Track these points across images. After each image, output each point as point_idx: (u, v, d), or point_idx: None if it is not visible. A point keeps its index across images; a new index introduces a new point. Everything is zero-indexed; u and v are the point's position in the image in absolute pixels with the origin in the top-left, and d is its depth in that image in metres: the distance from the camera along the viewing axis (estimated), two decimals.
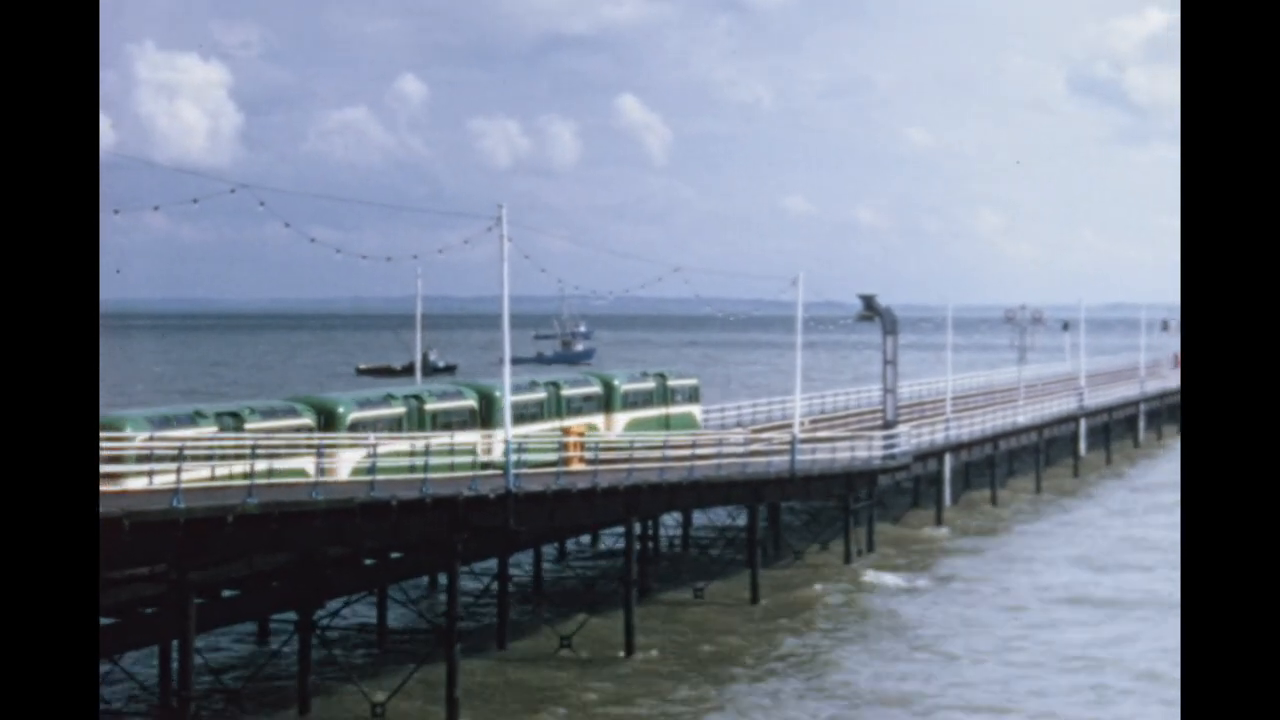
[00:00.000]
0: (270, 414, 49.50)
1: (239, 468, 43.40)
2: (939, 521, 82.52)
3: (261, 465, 42.11)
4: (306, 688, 46.00)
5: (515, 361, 51.75)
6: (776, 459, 64.77)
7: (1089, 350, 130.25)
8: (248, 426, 47.37)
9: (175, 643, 40.41)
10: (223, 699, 46.21)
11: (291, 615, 47.92)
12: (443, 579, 55.53)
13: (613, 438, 61.21)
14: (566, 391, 64.54)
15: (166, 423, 45.10)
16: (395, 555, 52.58)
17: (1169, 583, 63.63)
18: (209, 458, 43.62)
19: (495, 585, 56.52)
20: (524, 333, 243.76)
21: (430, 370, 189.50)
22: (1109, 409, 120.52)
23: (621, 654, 53.54)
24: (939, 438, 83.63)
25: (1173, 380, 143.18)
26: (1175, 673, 51.97)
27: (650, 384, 71.56)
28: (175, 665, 40.58)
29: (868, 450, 72.65)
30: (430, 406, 55.84)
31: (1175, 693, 49.65)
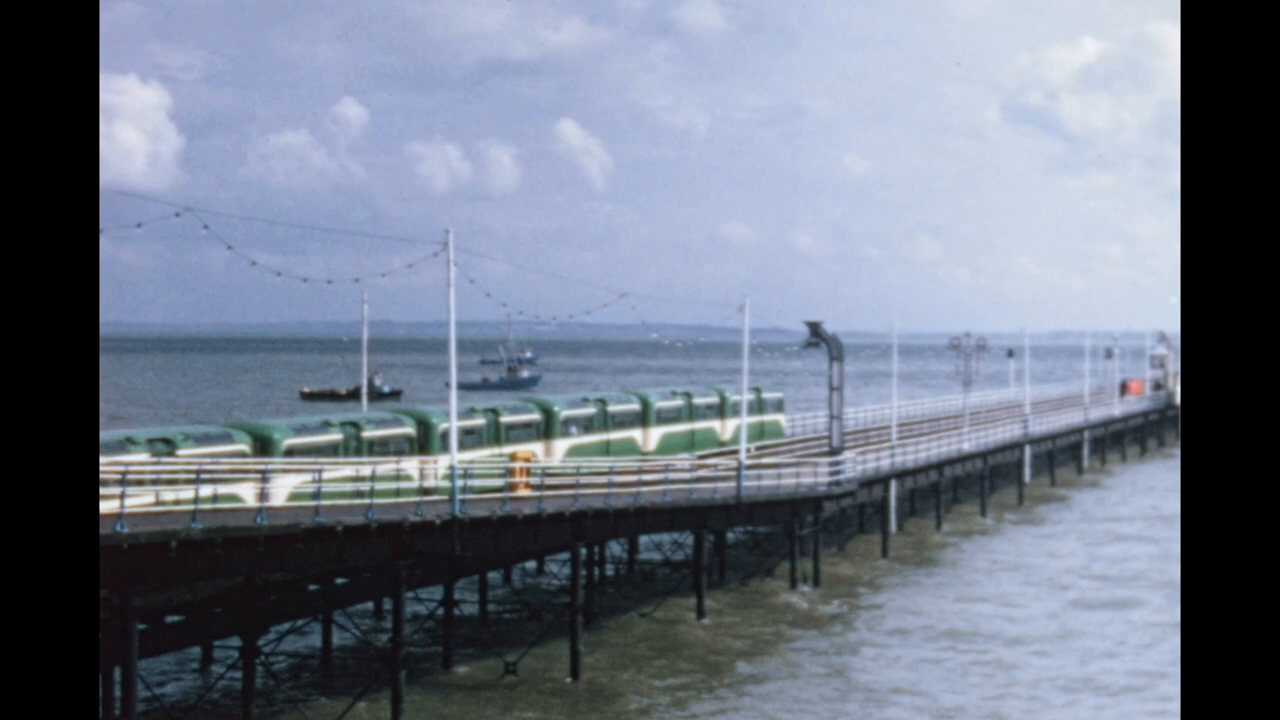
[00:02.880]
0: (204, 440, 49.26)
1: (178, 494, 43.22)
2: (884, 548, 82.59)
3: (195, 491, 41.79)
4: (250, 714, 45.72)
5: (461, 387, 51.72)
6: (722, 485, 64.73)
7: (1033, 377, 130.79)
8: (180, 453, 47.11)
9: (117, 669, 40.09)
10: None
11: (236, 641, 47.64)
12: (388, 604, 55.38)
13: (558, 464, 61.12)
14: (506, 418, 64.88)
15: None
16: (340, 581, 52.37)
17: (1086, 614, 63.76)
18: (154, 483, 43.38)
19: (441, 611, 56.34)
20: (469, 358, 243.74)
21: (376, 395, 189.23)
22: (1053, 436, 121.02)
23: (568, 679, 53.41)
24: (884, 464, 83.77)
25: (1118, 408, 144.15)
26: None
27: (593, 409, 72.14)
28: (118, 691, 40.26)
29: (813, 477, 72.71)
30: (367, 434, 55.84)
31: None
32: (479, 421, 62.85)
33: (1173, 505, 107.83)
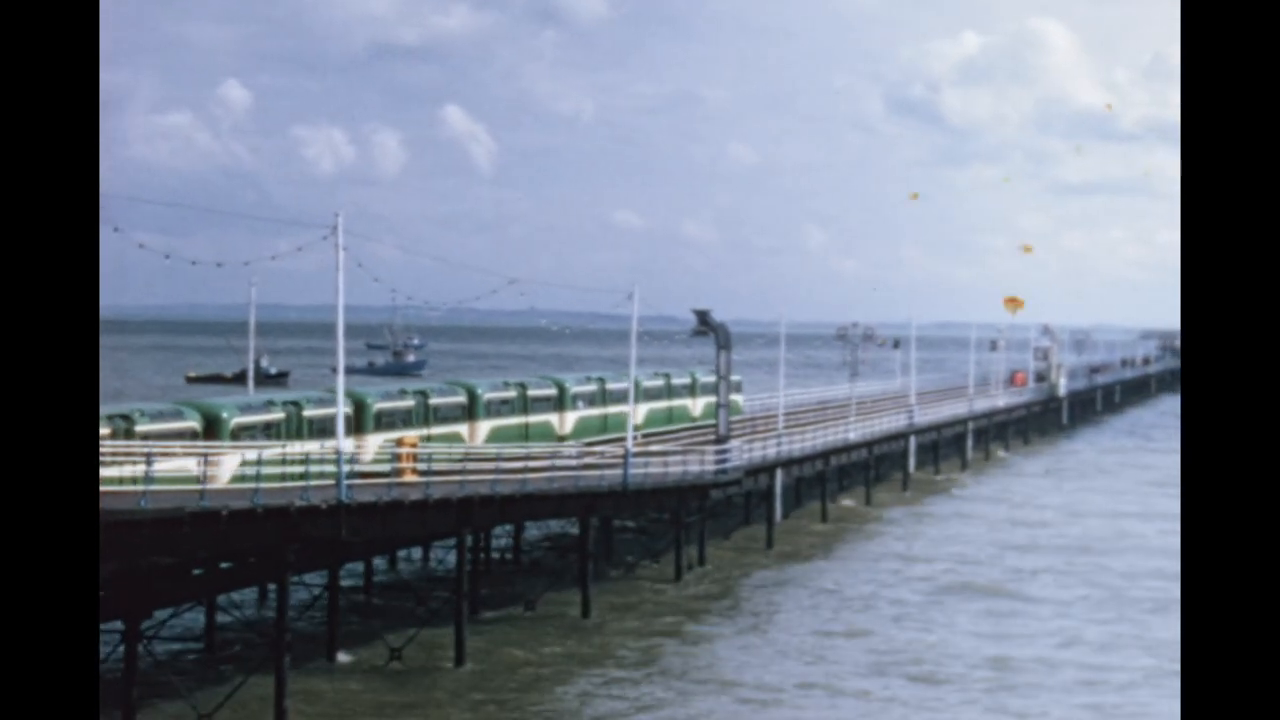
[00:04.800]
0: (159, 417, 50.80)
1: (126, 470, 44.13)
2: (769, 538, 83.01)
3: (145, 468, 42.67)
4: (132, 698, 45.37)
5: (348, 371, 51.74)
6: (609, 472, 64.87)
7: (919, 367, 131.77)
8: (138, 429, 48.69)
9: None
10: None
11: (118, 625, 47.29)
12: (273, 589, 55.15)
13: (441, 449, 61.11)
14: (434, 400, 66.13)
15: None
16: (225, 565, 52.14)
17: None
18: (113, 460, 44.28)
19: (326, 596, 56.22)
20: (356, 342, 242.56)
21: (262, 377, 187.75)
22: (938, 426, 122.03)
23: (452, 665, 53.43)
24: (771, 453, 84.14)
25: (1001, 399, 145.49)
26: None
27: (512, 393, 73.10)
28: None
29: (700, 464, 72.95)
30: (308, 413, 56.97)
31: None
32: (409, 403, 64.22)
33: (1052, 497, 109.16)
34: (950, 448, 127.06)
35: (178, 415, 51.87)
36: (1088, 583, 73.46)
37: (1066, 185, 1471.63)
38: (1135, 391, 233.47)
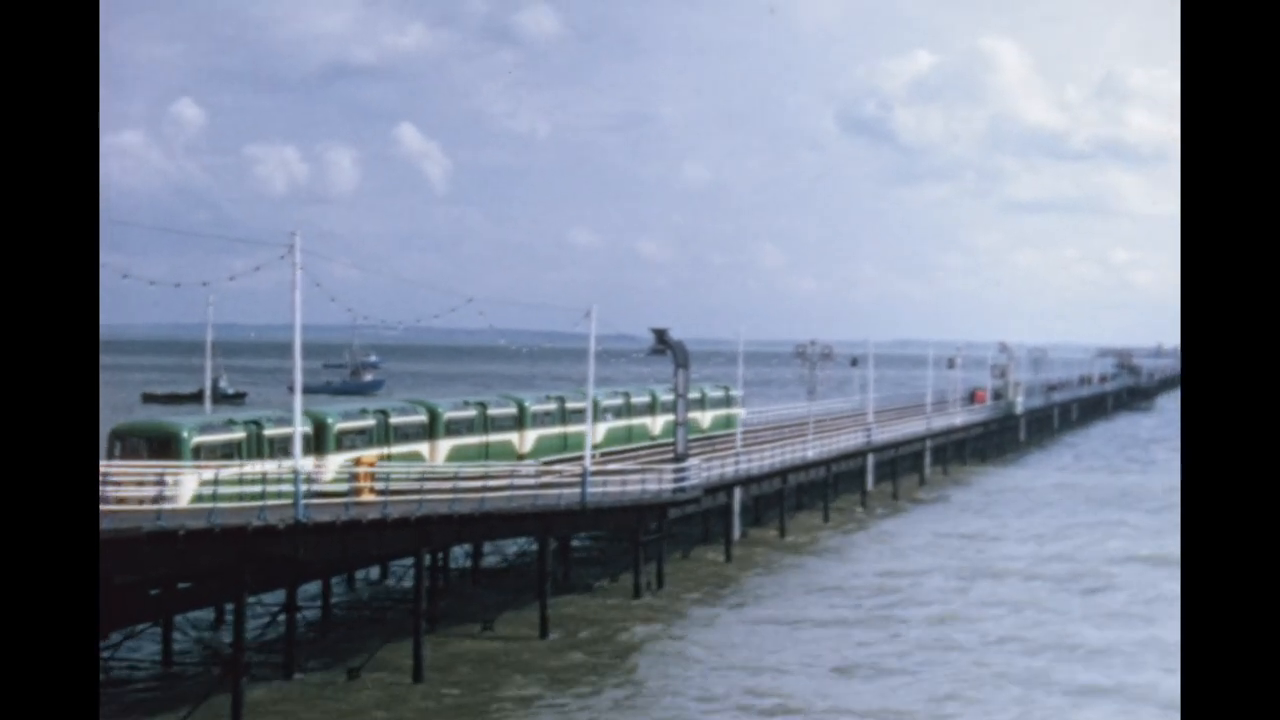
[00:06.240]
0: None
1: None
2: (728, 555, 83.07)
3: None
4: None
5: (305, 391, 51.56)
6: (567, 491, 64.82)
7: (878, 385, 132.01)
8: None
9: None
10: None
11: None
12: (231, 609, 54.98)
13: (399, 469, 61.00)
14: (395, 419, 66.16)
15: None
16: (183, 585, 51.96)
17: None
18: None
19: (284, 616, 56.03)
20: (314, 362, 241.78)
21: (219, 397, 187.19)
22: (896, 444, 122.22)
23: (410, 682, 53.31)
24: (729, 471, 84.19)
25: (959, 417, 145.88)
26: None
27: (473, 412, 73.39)
28: None
29: (658, 483, 72.92)
30: (269, 432, 56.76)
31: None
32: (370, 422, 64.30)
33: (1020, 522, 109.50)
34: (907, 463, 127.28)
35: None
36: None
37: (1018, 203, 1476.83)
38: (1092, 409, 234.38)
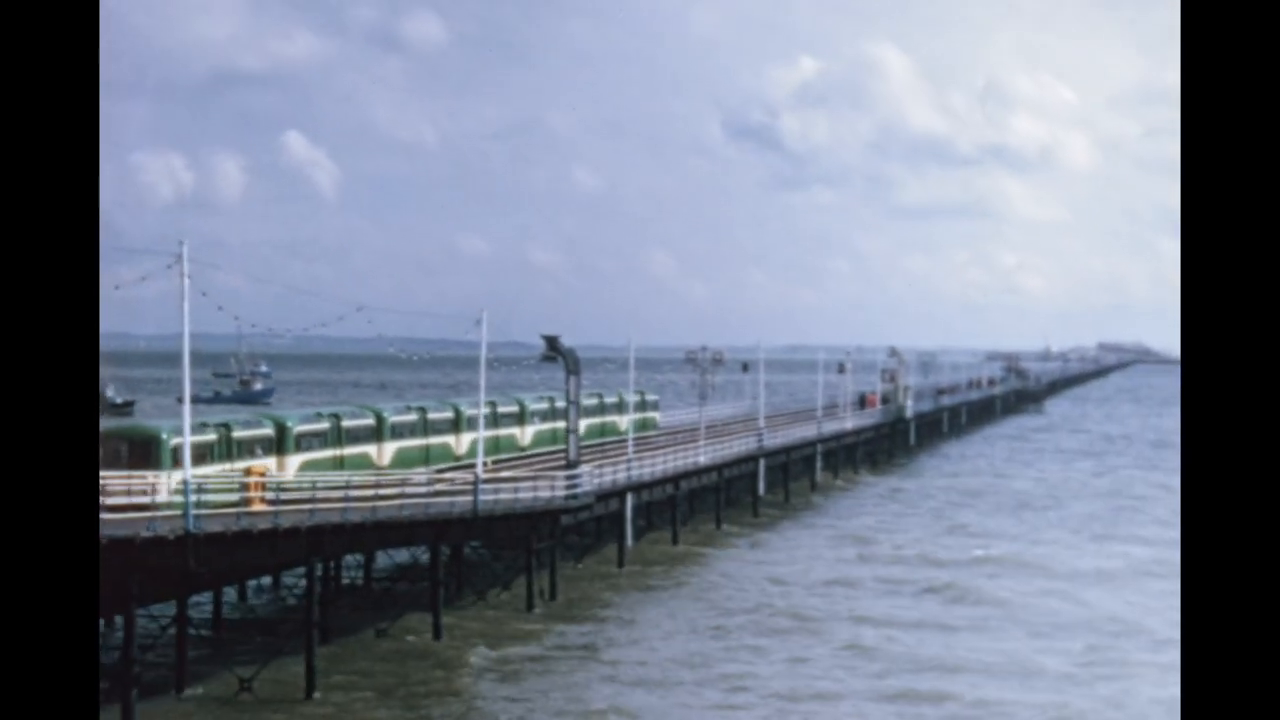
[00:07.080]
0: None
1: None
2: (620, 562, 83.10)
3: None
4: None
5: (193, 400, 51.28)
6: (460, 499, 64.59)
7: (768, 391, 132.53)
8: None
9: None
10: None
11: None
12: (120, 620, 54.45)
13: (292, 478, 60.66)
14: (347, 423, 69.77)
15: None
16: None
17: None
18: None
19: (173, 628, 55.53)
20: (202, 371, 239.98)
21: (107, 406, 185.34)
22: (787, 449, 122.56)
23: (302, 695, 52.98)
24: (621, 477, 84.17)
25: (849, 422, 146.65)
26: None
27: (414, 417, 76.36)
28: None
29: (550, 490, 72.76)
30: (238, 434, 59.84)
31: None
32: (325, 425, 68.25)
33: (912, 523, 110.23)
34: (799, 468, 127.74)
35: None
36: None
37: (906, 208, 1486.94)
38: (982, 412, 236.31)
